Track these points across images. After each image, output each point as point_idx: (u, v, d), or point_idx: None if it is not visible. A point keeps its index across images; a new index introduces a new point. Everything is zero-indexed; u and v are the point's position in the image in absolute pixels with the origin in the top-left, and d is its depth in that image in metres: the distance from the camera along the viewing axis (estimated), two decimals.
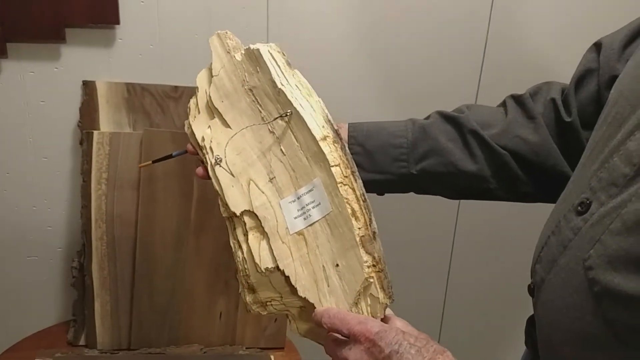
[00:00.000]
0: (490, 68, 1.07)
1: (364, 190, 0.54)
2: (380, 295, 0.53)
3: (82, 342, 1.02)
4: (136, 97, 0.97)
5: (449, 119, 0.66)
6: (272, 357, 1.01)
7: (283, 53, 0.64)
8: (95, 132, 0.95)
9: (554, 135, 0.64)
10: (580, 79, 0.62)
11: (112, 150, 0.95)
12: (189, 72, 0.98)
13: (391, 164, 0.66)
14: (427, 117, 0.69)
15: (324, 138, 0.55)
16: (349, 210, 0.53)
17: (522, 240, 1.17)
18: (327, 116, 0.58)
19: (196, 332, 1.02)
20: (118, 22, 0.92)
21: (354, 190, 0.54)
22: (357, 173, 0.55)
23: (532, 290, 0.53)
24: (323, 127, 0.56)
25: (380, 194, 0.69)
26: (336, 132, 0.56)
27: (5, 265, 1.06)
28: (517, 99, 0.66)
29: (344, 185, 0.54)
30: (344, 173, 0.54)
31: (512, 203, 0.70)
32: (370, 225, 0.53)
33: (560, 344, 0.47)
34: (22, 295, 1.08)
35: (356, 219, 0.53)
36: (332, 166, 0.54)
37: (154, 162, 0.76)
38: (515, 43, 1.07)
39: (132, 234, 0.98)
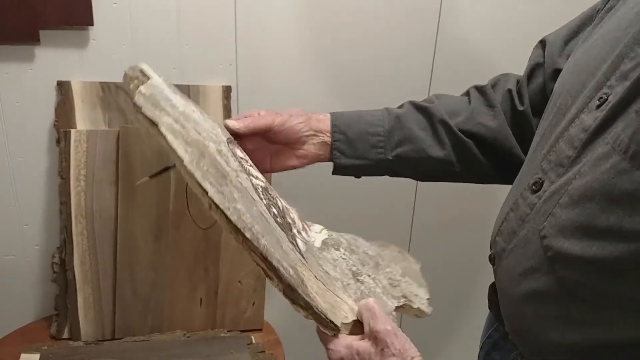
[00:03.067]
0: (440, 64, 1.17)
1: (264, 248, 0.52)
2: (327, 331, 0.55)
3: (65, 335, 1.04)
4: (111, 95, 1.01)
5: (421, 109, 0.74)
6: (252, 337, 1.08)
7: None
8: (73, 131, 0.97)
9: (510, 123, 0.73)
10: (530, 73, 0.71)
11: (90, 148, 0.99)
12: (160, 70, 1.03)
13: (369, 151, 0.73)
14: (401, 106, 0.77)
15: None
16: (262, 273, 0.53)
17: (476, 220, 1.28)
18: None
19: (179, 318, 1.07)
20: (92, 23, 0.95)
21: (254, 252, 0.52)
22: (258, 240, 0.52)
23: (492, 259, 0.61)
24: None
25: (357, 177, 0.77)
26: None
27: None
28: (480, 89, 0.75)
29: (246, 251, 0.53)
30: (237, 239, 0.53)
31: (471, 185, 0.80)
32: (282, 281, 0.53)
33: (519, 302, 0.55)
34: (1, 293, 1.09)
35: (270, 278, 0.53)
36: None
37: (150, 177, 0.80)
38: (464, 38, 1.17)
39: (112, 227, 1.01)
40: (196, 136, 0.57)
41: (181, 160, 0.52)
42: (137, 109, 0.56)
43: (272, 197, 0.64)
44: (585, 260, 0.45)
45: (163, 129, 0.54)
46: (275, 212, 0.62)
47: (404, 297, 0.65)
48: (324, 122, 0.74)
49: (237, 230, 0.52)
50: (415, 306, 0.65)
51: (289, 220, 0.64)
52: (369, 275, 0.66)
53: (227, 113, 1.07)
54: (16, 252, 1.08)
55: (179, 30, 1.01)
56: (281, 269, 0.53)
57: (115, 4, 0.97)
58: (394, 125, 0.74)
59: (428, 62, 1.16)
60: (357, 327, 0.56)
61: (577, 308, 0.48)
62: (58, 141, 0.99)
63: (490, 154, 0.74)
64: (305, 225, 0.69)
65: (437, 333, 1.44)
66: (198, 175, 0.52)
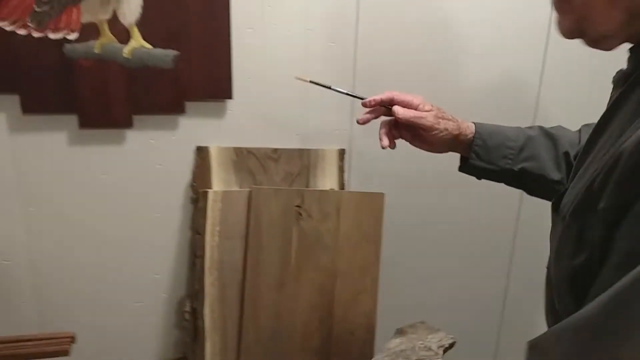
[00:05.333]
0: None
1: None
2: None
3: None
4: (243, 159, 1.12)
5: (549, 135, 0.85)
6: None
7: None
8: (210, 191, 1.08)
9: None
10: None
11: (224, 206, 1.09)
12: (284, 135, 1.14)
13: (500, 160, 0.85)
14: (530, 128, 0.87)
15: None
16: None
17: None
18: None
19: None
20: (231, 97, 1.07)
21: None
22: None
23: None
24: None
25: (479, 178, 0.88)
26: None
27: (114, 310, 1.17)
28: (589, 126, 0.84)
29: None
30: None
31: None
32: None
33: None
34: (129, 337, 1.19)
35: None
36: None
37: (311, 81, 0.90)
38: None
39: (239, 279, 1.10)
40: None
41: None
42: None
43: None
44: None
45: None
46: None
47: None
48: (468, 129, 0.86)
49: None
50: None
51: None
52: None
53: (341, 173, 1.17)
54: (145, 300, 1.18)
55: (303, 102, 1.12)
56: None
57: (249, 78, 1.09)
58: (525, 143, 0.85)
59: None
60: None
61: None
62: (196, 200, 1.10)
63: None
64: None
65: None
66: None
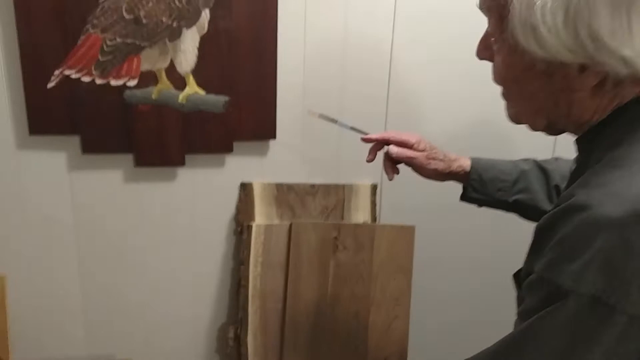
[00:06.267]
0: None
1: None
2: None
3: None
4: (283, 194, 1.19)
5: (542, 169, 0.93)
6: None
7: None
8: (254, 225, 1.16)
9: None
10: None
11: (266, 239, 1.16)
12: (320, 170, 1.21)
13: (495, 192, 0.94)
14: (526, 161, 0.95)
15: None
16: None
17: None
18: None
19: None
20: (275, 137, 1.16)
21: None
22: None
23: None
24: None
25: (479, 206, 0.97)
26: None
27: (160, 335, 1.23)
28: None
29: None
30: None
31: None
32: None
33: None
34: None
35: None
36: None
37: (319, 116, 1.02)
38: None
39: (280, 307, 1.17)
40: None
41: None
42: None
43: None
44: None
45: None
46: None
47: None
48: (464, 162, 0.96)
49: None
50: None
51: None
52: None
53: (374, 207, 1.25)
54: (190, 325, 1.24)
55: (338, 140, 1.21)
56: None
57: (291, 119, 1.17)
58: (518, 177, 0.93)
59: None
60: None
61: None
62: (239, 232, 1.18)
63: None
64: None
65: None
66: None
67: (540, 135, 0.69)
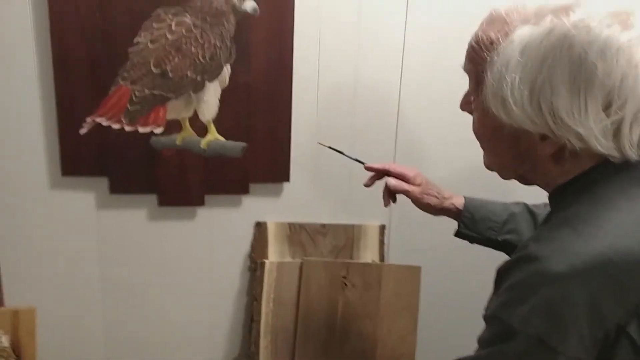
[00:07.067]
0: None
1: None
2: None
3: None
4: (296, 233, 1.26)
5: (531, 213, 0.98)
6: None
7: None
8: (267, 262, 1.22)
9: None
10: None
11: (278, 276, 1.23)
12: (330, 210, 1.28)
13: (486, 231, 0.99)
14: (517, 204, 1.00)
15: None
16: None
17: None
18: None
19: None
20: (288, 180, 1.23)
21: None
22: None
23: None
24: None
25: (471, 243, 1.01)
26: None
27: None
28: None
29: None
30: None
31: None
32: None
33: None
34: None
35: None
36: None
37: (328, 147, 1.09)
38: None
39: (291, 342, 1.23)
40: None
41: None
42: None
43: None
44: None
45: None
46: None
47: None
48: (458, 200, 1.01)
49: None
50: None
51: None
52: None
53: (382, 247, 1.30)
54: (204, 358, 1.30)
55: (348, 181, 1.27)
56: None
57: (301, 164, 1.24)
58: (508, 219, 0.98)
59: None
60: None
61: None
62: (254, 269, 1.24)
63: None
64: None
65: None
66: None
67: None
